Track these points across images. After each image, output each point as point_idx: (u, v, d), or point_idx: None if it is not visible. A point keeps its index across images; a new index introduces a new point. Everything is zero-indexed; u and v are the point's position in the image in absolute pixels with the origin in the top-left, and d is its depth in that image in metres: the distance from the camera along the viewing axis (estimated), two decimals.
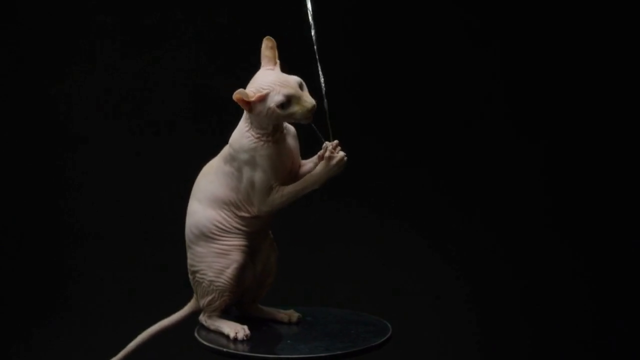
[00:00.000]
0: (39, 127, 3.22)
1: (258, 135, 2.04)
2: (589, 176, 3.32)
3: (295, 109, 2.00)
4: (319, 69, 2.09)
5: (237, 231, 2.10)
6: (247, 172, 2.06)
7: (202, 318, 2.16)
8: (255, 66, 3.24)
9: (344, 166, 2.04)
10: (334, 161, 2.03)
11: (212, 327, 2.13)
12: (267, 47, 2.06)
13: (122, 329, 3.13)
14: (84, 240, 3.25)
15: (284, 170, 2.07)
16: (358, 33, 3.25)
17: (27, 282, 3.25)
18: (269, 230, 2.19)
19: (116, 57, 3.22)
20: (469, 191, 3.33)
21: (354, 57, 3.23)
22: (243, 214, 2.09)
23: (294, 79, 2.02)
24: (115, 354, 2.34)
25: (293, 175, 2.10)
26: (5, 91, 3.21)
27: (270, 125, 2.03)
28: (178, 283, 2.79)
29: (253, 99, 2.00)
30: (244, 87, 3.28)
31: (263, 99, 2.00)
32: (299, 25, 3.23)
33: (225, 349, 2.03)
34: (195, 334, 2.13)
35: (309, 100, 2.00)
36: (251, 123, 2.04)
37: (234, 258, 2.09)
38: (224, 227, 2.10)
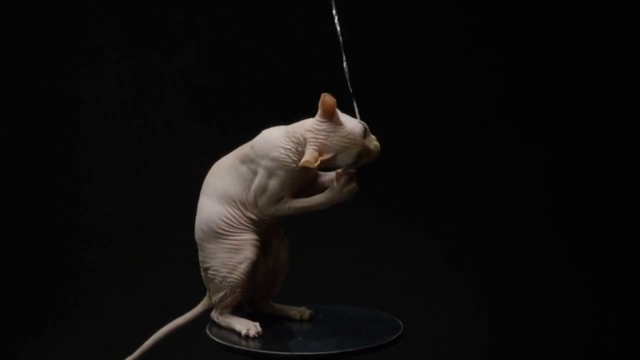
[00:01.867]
0: (39, 127, 3.22)
1: (295, 159, 2.02)
2: (589, 176, 3.32)
3: (364, 160, 2.00)
4: (355, 109, 2.09)
5: (245, 227, 2.09)
6: (262, 177, 2.05)
7: (214, 315, 2.16)
8: (255, 66, 3.26)
9: (353, 195, 2.04)
10: (347, 188, 2.03)
11: (223, 324, 2.13)
12: (326, 103, 1.98)
13: (123, 329, 3.15)
14: (84, 240, 3.25)
15: (298, 186, 2.06)
16: (357, 33, 3.25)
17: (27, 282, 3.25)
18: (280, 227, 2.18)
19: (116, 57, 3.22)
20: (469, 191, 3.33)
21: (353, 57, 3.23)
22: (250, 214, 2.09)
23: (359, 131, 1.99)
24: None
25: (304, 186, 2.09)
26: (5, 91, 3.21)
27: None
28: (178, 283, 2.80)
29: (317, 165, 1.96)
30: (243, 86, 3.30)
31: (329, 160, 1.98)
32: (298, 26, 3.24)
33: (236, 346, 2.03)
34: (207, 331, 2.12)
35: (375, 147, 2.00)
36: (296, 150, 2.01)
37: (247, 254, 2.08)
38: (232, 224, 2.09)
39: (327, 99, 1.98)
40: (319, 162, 1.96)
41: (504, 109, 3.31)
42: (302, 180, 2.06)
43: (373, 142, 2.01)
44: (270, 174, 2.04)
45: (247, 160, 2.08)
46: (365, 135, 2.00)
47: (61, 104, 3.22)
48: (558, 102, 3.31)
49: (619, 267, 3.33)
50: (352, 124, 2.00)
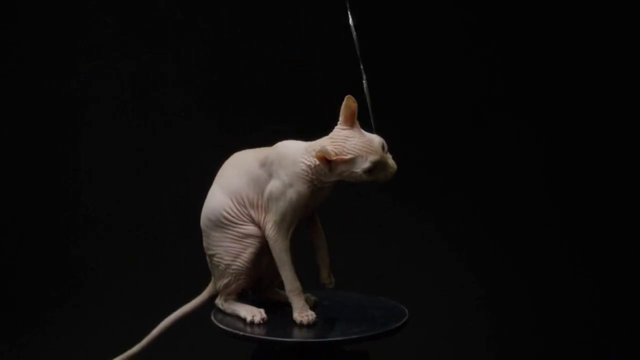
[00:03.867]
0: (39, 127, 3.22)
1: (313, 177, 2.03)
2: (589, 176, 3.32)
3: (380, 174, 2.00)
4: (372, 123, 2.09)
5: (249, 220, 2.10)
6: (276, 187, 2.06)
7: (219, 301, 2.17)
8: (255, 66, 3.26)
9: (305, 321, 2.04)
10: (306, 313, 2.06)
11: (228, 311, 2.14)
12: (348, 106, 2.00)
13: (123, 329, 3.14)
14: (84, 240, 3.25)
15: (303, 211, 2.07)
16: (358, 33, 3.24)
17: (27, 282, 3.25)
18: None
19: (116, 57, 3.22)
20: (468, 191, 3.33)
21: (354, 57, 3.23)
22: (253, 214, 2.10)
23: (378, 142, 2.00)
24: (115, 355, 2.33)
25: (309, 213, 2.11)
26: (5, 91, 3.21)
27: (334, 179, 2.02)
28: (178, 283, 2.79)
29: (334, 159, 1.97)
30: (243, 86, 3.30)
31: (346, 162, 1.98)
32: (298, 26, 3.24)
33: (241, 333, 2.03)
34: (212, 317, 2.13)
35: (392, 165, 2.01)
36: (314, 164, 2.01)
37: (250, 242, 2.09)
38: (237, 216, 2.10)
39: (350, 101, 1.99)
40: (334, 158, 1.96)
41: (503, 109, 3.31)
42: (308, 207, 2.06)
43: (390, 158, 2.02)
44: (285, 189, 2.04)
45: (267, 164, 2.08)
46: (383, 148, 2.00)
47: (61, 103, 3.22)
48: (558, 102, 3.31)
49: (619, 267, 3.33)
50: (372, 135, 2.02)
